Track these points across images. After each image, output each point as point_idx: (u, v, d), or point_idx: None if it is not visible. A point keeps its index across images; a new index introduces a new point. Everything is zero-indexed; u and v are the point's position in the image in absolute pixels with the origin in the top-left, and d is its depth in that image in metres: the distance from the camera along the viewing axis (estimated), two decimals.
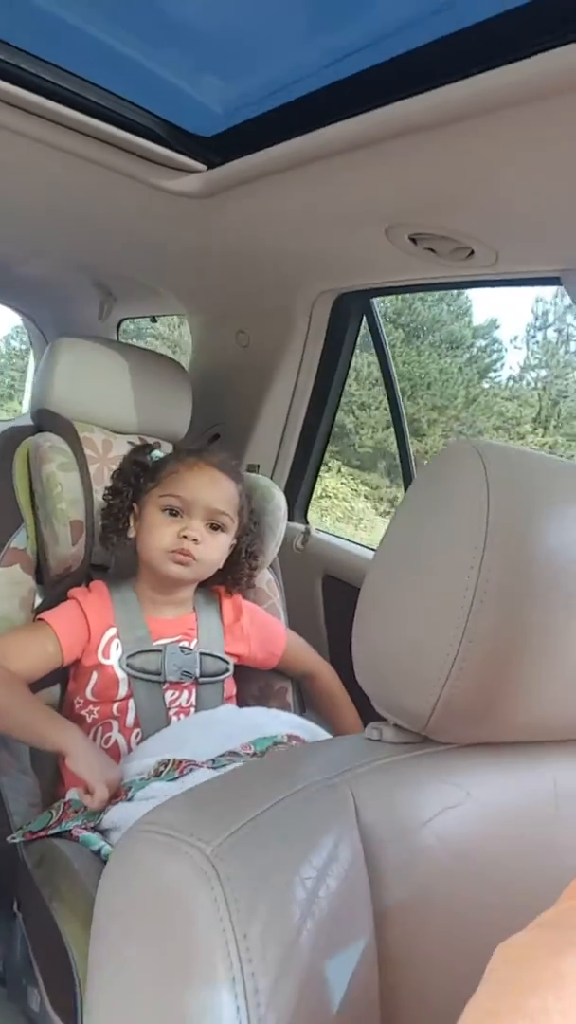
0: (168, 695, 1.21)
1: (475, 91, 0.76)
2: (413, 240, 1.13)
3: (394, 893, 0.45)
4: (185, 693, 1.22)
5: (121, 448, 1.38)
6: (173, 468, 1.24)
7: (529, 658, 0.50)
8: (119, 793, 1.04)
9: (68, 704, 1.23)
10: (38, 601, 1.29)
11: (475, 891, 0.49)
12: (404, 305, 15.58)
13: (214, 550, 1.24)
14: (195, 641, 1.26)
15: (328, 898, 0.41)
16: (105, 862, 0.96)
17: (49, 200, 1.38)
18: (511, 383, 16.89)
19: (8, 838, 1.04)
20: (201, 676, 1.23)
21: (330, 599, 1.78)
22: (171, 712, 1.20)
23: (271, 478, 1.69)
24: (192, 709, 1.22)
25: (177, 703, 1.21)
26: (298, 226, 1.24)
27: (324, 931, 0.39)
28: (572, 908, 0.37)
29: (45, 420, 1.41)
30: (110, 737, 1.17)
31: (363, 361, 12.20)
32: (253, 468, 1.82)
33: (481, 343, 17.40)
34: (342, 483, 15.13)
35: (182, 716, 1.21)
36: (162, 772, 1.04)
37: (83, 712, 1.19)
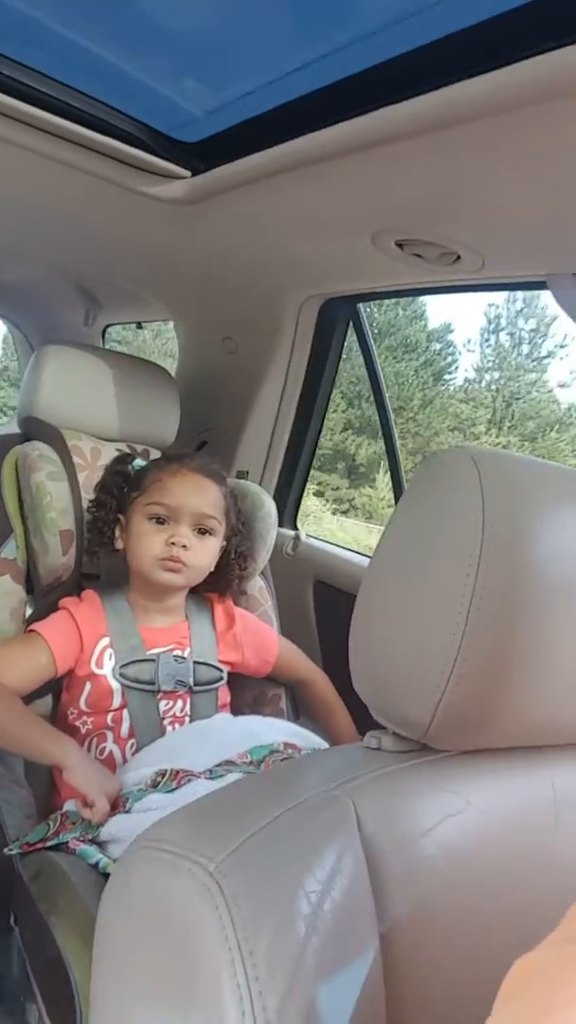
0: (162, 705, 1.20)
1: (460, 97, 0.76)
2: (400, 246, 1.13)
3: (398, 904, 0.44)
4: (179, 702, 1.22)
5: (109, 455, 1.38)
6: (156, 476, 1.23)
7: (527, 663, 0.50)
8: (117, 804, 1.03)
9: (61, 715, 1.22)
10: (28, 612, 1.28)
11: (477, 899, 0.49)
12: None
13: (204, 555, 1.24)
14: (188, 650, 1.25)
15: (333, 911, 0.40)
16: (103, 875, 0.96)
17: (33, 206, 1.38)
18: (466, 385, 17.30)
19: (4, 850, 1.03)
20: (195, 685, 1.23)
21: (321, 604, 1.78)
22: (166, 722, 1.19)
23: (260, 484, 1.69)
24: (187, 718, 1.22)
25: (171, 712, 1.21)
26: (284, 232, 1.24)
27: (330, 945, 0.39)
28: None
29: (33, 428, 1.40)
30: (105, 748, 1.16)
31: None
32: (242, 474, 1.82)
33: (436, 347, 17.80)
34: None
35: (177, 725, 1.20)
36: (159, 783, 1.03)
37: (77, 723, 1.18)
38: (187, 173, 1.12)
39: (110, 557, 1.28)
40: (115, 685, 1.17)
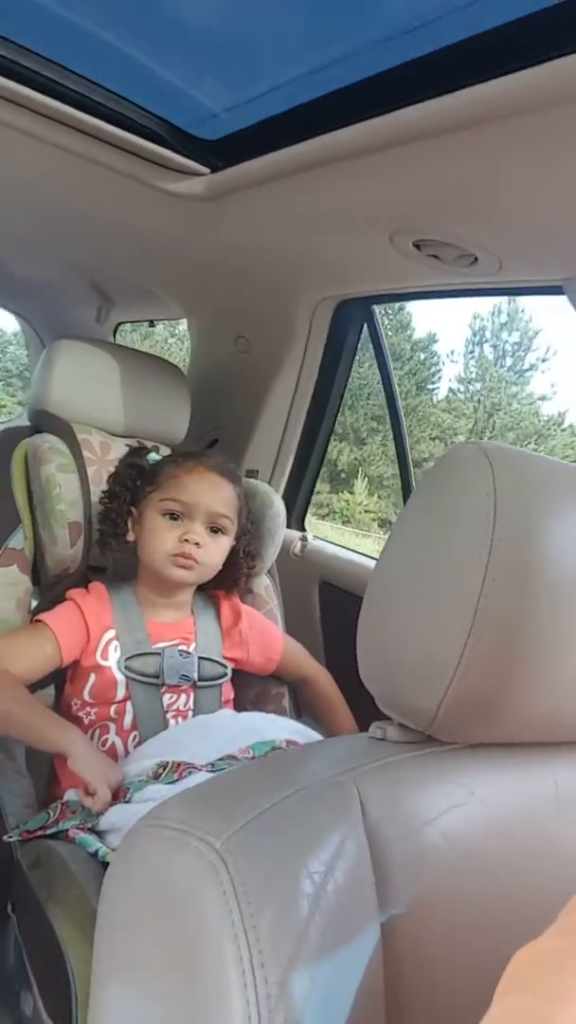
0: (166, 698, 1.20)
1: (479, 99, 0.77)
2: (417, 246, 1.14)
3: (400, 889, 0.44)
4: (183, 697, 1.22)
5: (119, 451, 1.38)
6: (173, 472, 1.24)
7: (533, 659, 0.51)
8: (118, 795, 1.03)
9: (65, 705, 1.22)
10: (33, 603, 1.29)
11: (479, 889, 0.49)
12: None
13: (215, 553, 1.24)
14: (193, 645, 1.26)
15: (335, 892, 0.40)
16: (102, 864, 0.96)
17: (50, 199, 1.39)
18: (449, 395, 17.63)
19: (4, 837, 1.04)
20: (199, 680, 1.23)
21: (327, 605, 1.78)
22: (169, 715, 1.20)
23: (269, 484, 1.69)
24: (190, 713, 1.22)
25: (175, 706, 1.21)
26: (301, 231, 1.25)
27: (332, 924, 0.39)
28: None
29: (43, 421, 1.41)
30: (107, 739, 1.17)
31: None
32: (252, 474, 1.82)
33: (420, 356, 18.02)
34: None
35: (180, 720, 1.20)
36: (161, 774, 1.03)
37: (80, 713, 1.19)
38: (206, 170, 1.13)
39: (121, 550, 1.28)
40: (120, 677, 1.18)
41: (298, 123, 0.97)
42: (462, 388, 18.58)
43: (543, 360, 19.10)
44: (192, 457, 1.27)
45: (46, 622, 1.17)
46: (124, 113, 1.04)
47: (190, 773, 1.02)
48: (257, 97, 1.03)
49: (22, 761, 1.18)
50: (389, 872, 0.45)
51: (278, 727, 1.19)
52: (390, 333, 17.08)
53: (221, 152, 1.10)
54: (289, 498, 1.88)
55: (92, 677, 1.19)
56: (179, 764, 1.04)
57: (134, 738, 1.17)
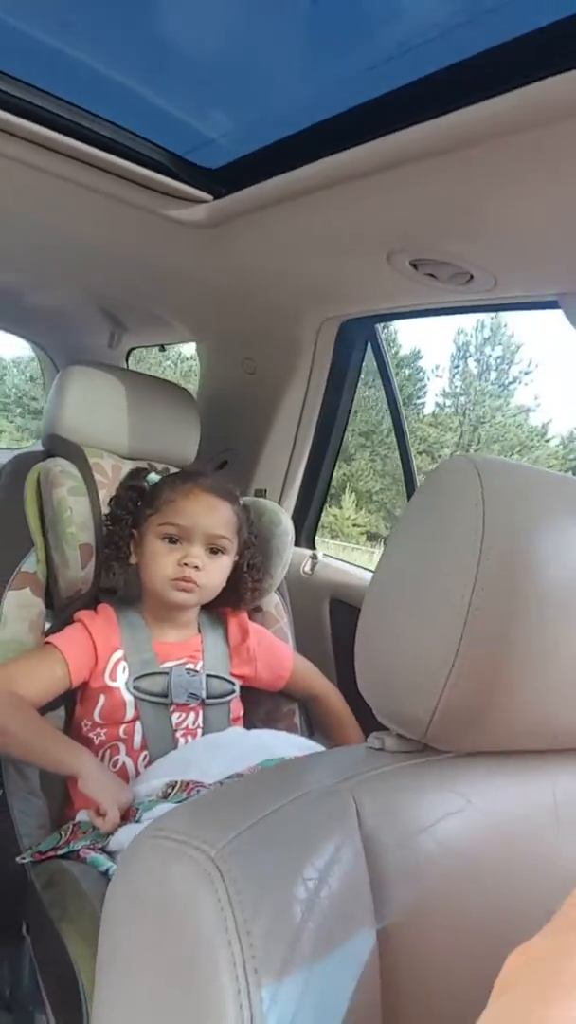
0: (175, 717, 1.21)
1: (471, 121, 0.78)
2: (414, 266, 1.16)
3: (396, 897, 0.45)
4: (192, 715, 1.23)
5: None
6: (169, 496, 1.24)
7: (524, 667, 0.51)
8: (128, 815, 1.04)
9: (75, 727, 1.23)
10: (46, 625, 1.31)
11: (476, 896, 0.49)
12: None
13: (216, 574, 1.26)
14: (201, 663, 1.27)
15: (330, 899, 0.41)
16: None
17: (60, 231, 1.42)
18: (435, 410, 17.93)
19: (18, 858, 1.05)
20: (207, 698, 1.24)
21: (337, 622, 1.78)
22: (178, 734, 1.20)
23: (278, 504, 1.70)
24: (199, 731, 1.23)
25: (184, 725, 1.22)
26: (302, 253, 1.27)
27: (326, 931, 0.40)
28: None
29: (56, 445, 1.43)
30: (118, 760, 1.18)
31: None
32: (260, 493, 1.84)
33: (406, 371, 18.24)
34: None
35: (189, 738, 1.21)
36: (170, 794, 1.04)
37: (90, 734, 1.20)
38: (209, 197, 1.15)
39: (125, 572, 1.29)
40: (128, 698, 1.19)
41: (297, 149, 0.99)
42: (447, 402, 19.06)
43: (526, 373, 19.75)
44: (188, 479, 1.28)
45: (55, 644, 1.19)
46: (127, 144, 1.07)
47: (199, 792, 1.02)
48: (256, 125, 1.06)
49: (36, 782, 1.19)
50: (385, 879, 0.46)
51: (288, 744, 1.19)
52: None
53: (223, 179, 1.13)
54: (298, 517, 1.89)
55: (102, 698, 1.20)
56: (188, 783, 1.05)
57: (144, 757, 1.17)
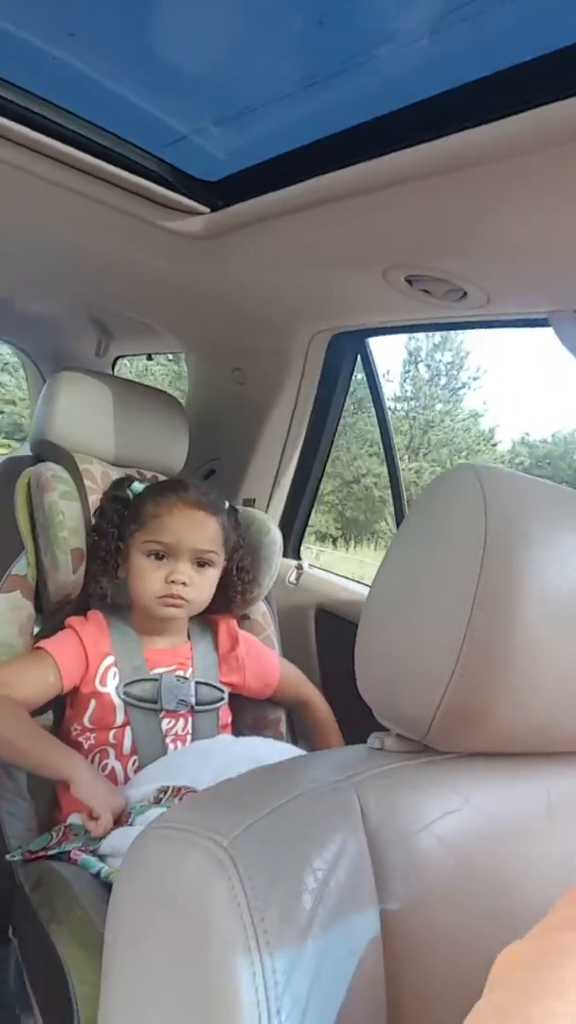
0: (164, 723, 1.22)
1: (468, 144, 0.81)
2: (409, 281, 1.18)
3: (398, 890, 0.46)
4: (181, 721, 1.24)
5: None
6: (154, 511, 1.24)
7: (523, 672, 0.53)
8: (120, 819, 1.05)
9: (65, 731, 1.24)
10: (35, 629, 1.31)
11: (473, 892, 0.51)
12: None
13: (204, 588, 1.27)
14: (190, 670, 1.28)
15: (338, 889, 0.42)
16: (105, 885, 0.97)
17: (53, 237, 1.43)
18: (389, 413, 18.54)
19: (7, 856, 1.05)
20: (196, 704, 1.25)
21: (323, 632, 1.80)
22: (168, 740, 1.21)
23: (266, 513, 1.72)
24: (188, 737, 1.24)
25: (174, 731, 1.22)
26: (297, 268, 1.29)
27: (334, 919, 0.41)
28: (572, 915, 0.38)
29: (45, 450, 1.44)
30: (107, 764, 1.18)
31: None
32: (249, 502, 1.85)
33: (358, 376, 18.88)
34: None
35: (179, 744, 1.22)
36: (162, 799, 1.05)
37: (80, 739, 1.20)
38: (206, 209, 1.17)
39: (113, 585, 1.29)
40: (118, 703, 1.19)
41: (295, 165, 1.01)
42: (399, 407, 19.60)
43: (474, 379, 20.56)
44: (171, 492, 1.27)
45: (47, 649, 1.19)
46: (126, 155, 1.08)
47: None
48: (256, 140, 1.07)
49: (24, 784, 1.19)
50: (388, 874, 0.47)
51: (277, 752, 1.20)
52: None
53: (221, 192, 1.14)
54: (285, 527, 1.90)
55: (92, 703, 1.20)
56: (179, 788, 1.05)
57: (134, 763, 1.18)
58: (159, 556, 1.23)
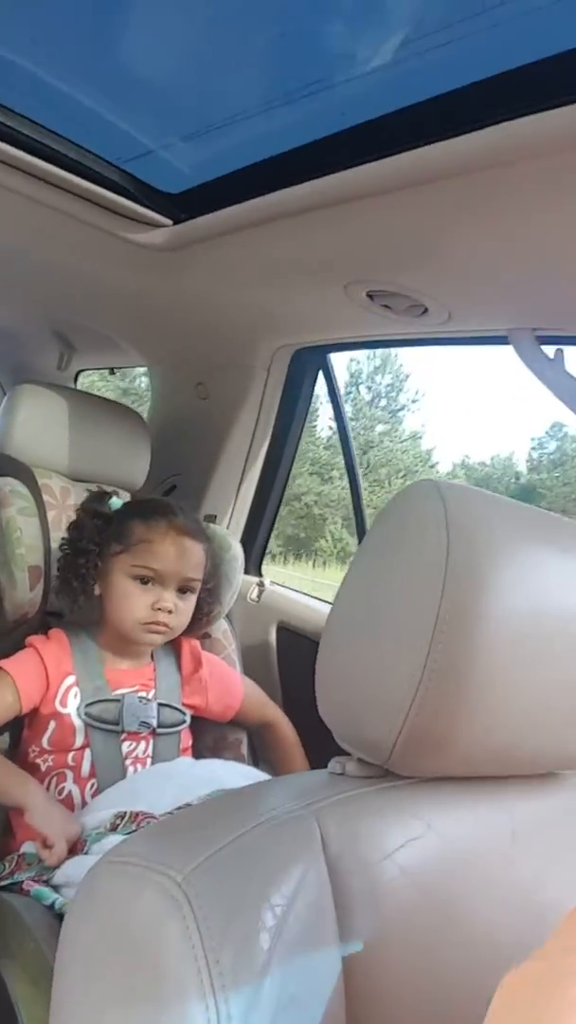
0: (125, 746, 1.19)
1: (428, 160, 0.81)
2: (371, 297, 1.18)
3: (360, 923, 0.45)
4: (142, 744, 1.21)
5: (79, 496, 1.39)
6: (144, 536, 1.21)
7: (486, 695, 0.52)
8: (76, 847, 1.02)
9: (22, 752, 1.20)
10: None
11: (436, 926, 0.49)
12: None
13: (186, 615, 1.25)
14: (153, 691, 1.25)
15: (298, 925, 0.41)
16: (59, 917, 0.94)
17: (13, 247, 1.40)
18: (329, 434, 19.10)
19: None
20: (159, 727, 1.22)
21: (284, 649, 1.78)
22: (127, 763, 1.18)
23: (227, 529, 1.70)
24: (149, 760, 1.21)
25: (134, 754, 1.20)
26: (260, 282, 1.28)
27: (294, 958, 0.39)
28: None
29: (4, 465, 1.40)
30: (64, 788, 1.15)
31: None
32: (210, 518, 1.83)
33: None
34: None
35: (139, 767, 1.19)
36: (119, 825, 1.02)
37: (38, 760, 1.17)
38: (168, 222, 1.16)
39: (89, 604, 1.24)
40: (78, 723, 1.16)
41: (258, 178, 1.00)
42: (338, 427, 20.11)
43: (414, 401, 21.31)
44: (161, 516, 1.23)
45: (6, 669, 1.16)
46: (88, 165, 1.07)
47: (148, 823, 1.00)
48: (219, 153, 1.07)
49: None
50: (350, 906, 0.45)
51: (237, 774, 1.18)
52: None
53: (183, 204, 1.13)
54: (246, 543, 1.88)
55: (51, 724, 1.17)
56: (137, 814, 1.03)
57: (92, 786, 1.15)
58: (145, 581, 1.20)
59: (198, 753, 1.33)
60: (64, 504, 1.37)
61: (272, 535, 1.96)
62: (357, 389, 20.70)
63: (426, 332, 1.31)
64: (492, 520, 0.55)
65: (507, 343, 1.17)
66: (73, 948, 0.42)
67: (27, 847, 1.05)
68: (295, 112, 0.96)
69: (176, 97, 1.01)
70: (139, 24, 0.91)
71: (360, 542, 0.65)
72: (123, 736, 1.19)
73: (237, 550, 1.44)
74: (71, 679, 1.19)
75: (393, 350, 19.75)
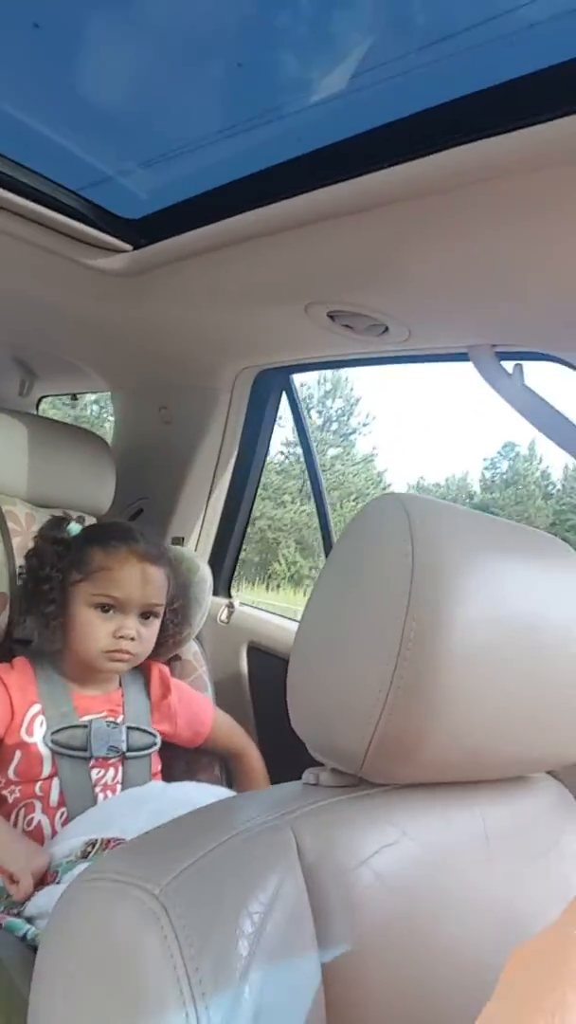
0: (94, 773, 1.17)
1: (384, 182, 0.83)
2: (331, 317, 1.19)
3: (338, 929, 0.45)
4: (112, 770, 1.19)
5: (44, 521, 1.37)
6: (104, 563, 1.19)
7: (454, 701, 0.53)
8: (46, 878, 1.00)
9: None
10: None
11: (413, 930, 0.50)
12: None
13: (149, 640, 1.24)
14: (121, 716, 1.24)
15: (276, 933, 0.41)
16: (32, 948, 0.92)
17: None
18: (281, 459, 19.62)
19: None
20: (128, 750, 1.21)
21: (255, 669, 1.78)
22: (97, 790, 1.17)
23: (195, 551, 1.70)
24: (119, 786, 1.19)
25: (103, 780, 1.18)
26: (221, 304, 1.29)
27: (273, 965, 0.40)
28: None
29: None
30: (33, 818, 1.13)
31: None
32: (177, 541, 1.83)
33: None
34: None
35: (109, 793, 1.17)
36: (90, 853, 1.00)
37: (4, 792, 1.15)
38: (128, 247, 1.16)
39: (55, 633, 1.22)
40: (45, 752, 1.15)
41: (216, 203, 1.02)
42: (291, 451, 20.57)
43: (365, 424, 21.78)
44: (120, 542, 1.22)
45: None
46: (47, 192, 1.07)
47: None
48: (177, 179, 1.08)
49: None
50: (327, 913, 0.45)
51: (212, 796, 1.17)
52: None
53: (143, 230, 1.14)
54: (215, 565, 1.88)
55: (17, 755, 1.15)
56: (108, 841, 1.01)
57: (61, 815, 1.13)
58: (106, 609, 1.19)
59: (172, 777, 1.32)
60: (29, 531, 1.36)
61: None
62: (308, 413, 21.14)
63: (387, 351, 1.33)
64: (455, 530, 0.56)
65: (467, 359, 1.20)
66: (50, 968, 0.42)
67: None
68: (253, 138, 0.97)
69: (134, 124, 1.02)
70: (97, 53, 0.92)
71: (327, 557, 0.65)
72: (92, 763, 1.17)
73: (205, 572, 1.44)
74: (36, 707, 1.17)
75: (344, 373, 20.04)
